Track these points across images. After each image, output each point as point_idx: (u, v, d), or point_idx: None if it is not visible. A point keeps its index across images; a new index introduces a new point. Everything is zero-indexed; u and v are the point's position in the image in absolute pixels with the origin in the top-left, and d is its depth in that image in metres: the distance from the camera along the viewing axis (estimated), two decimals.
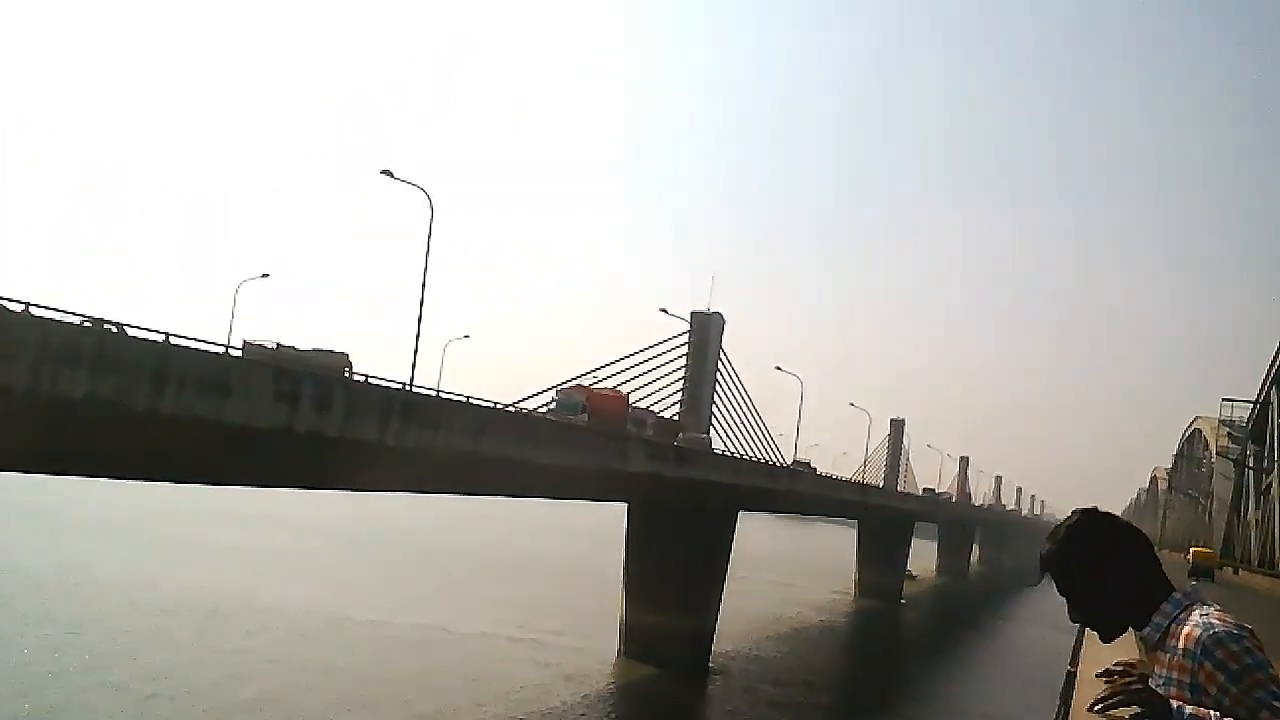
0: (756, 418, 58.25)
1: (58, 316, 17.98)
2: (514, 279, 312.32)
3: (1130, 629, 3.03)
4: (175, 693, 29.60)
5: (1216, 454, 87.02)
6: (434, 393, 30.62)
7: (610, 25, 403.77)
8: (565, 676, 38.86)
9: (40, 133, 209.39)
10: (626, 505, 44.58)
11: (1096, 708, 2.85)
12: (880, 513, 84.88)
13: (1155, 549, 3.12)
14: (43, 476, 21.34)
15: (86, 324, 17.67)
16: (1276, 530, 59.00)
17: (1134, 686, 2.83)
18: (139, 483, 24.01)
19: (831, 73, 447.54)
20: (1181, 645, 2.81)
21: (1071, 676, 4.13)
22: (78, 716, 26.67)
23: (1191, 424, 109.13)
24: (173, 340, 19.74)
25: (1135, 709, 2.74)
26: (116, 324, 17.59)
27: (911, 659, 61.54)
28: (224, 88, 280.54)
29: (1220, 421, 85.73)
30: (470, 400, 30.33)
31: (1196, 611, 2.86)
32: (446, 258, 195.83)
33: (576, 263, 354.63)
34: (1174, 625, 2.87)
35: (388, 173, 35.55)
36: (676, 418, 50.91)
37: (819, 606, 74.05)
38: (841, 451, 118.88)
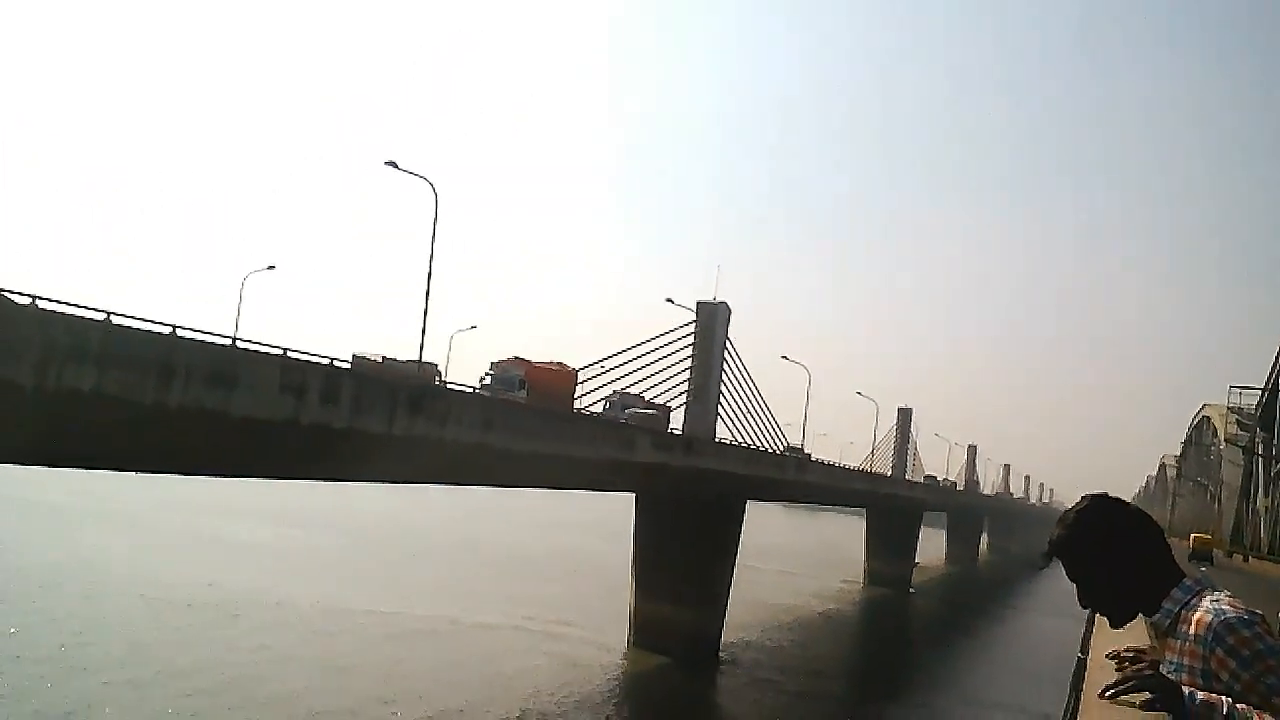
0: (764, 408, 58.21)
1: (64, 310, 17.99)
2: (519, 273, 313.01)
3: (1141, 615, 3.00)
4: (191, 690, 29.67)
5: (1225, 441, 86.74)
6: (442, 385, 30.63)
7: (611, 21, 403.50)
8: (575, 667, 38.96)
9: (40, 132, 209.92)
10: (634, 496, 44.61)
11: (1107, 694, 2.83)
12: (889, 502, 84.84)
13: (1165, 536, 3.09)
14: (50, 470, 21.37)
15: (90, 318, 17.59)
16: None
17: (1145, 672, 2.81)
18: (146, 475, 24.00)
19: (835, 66, 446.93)
20: (1193, 631, 2.78)
21: (1082, 663, 4.09)
22: (101, 715, 26.71)
23: (1200, 411, 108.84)
24: (179, 333, 19.77)
25: (1146, 695, 2.72)
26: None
27: (921, 647, 61.56)
28: (225, 84, 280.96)
29: (1229, 409, 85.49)
30: (477, 392, 30.35)
31: (1208, 598, 2.84)
32: (451, 253, 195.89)
33: (581, 257, 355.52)
34: (1185, 611, 2.85)
35: (392, 163, 35.47)
36: (671, 405, 50.10)
37: (828, 596, 74.11)
38: (849, 441, 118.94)
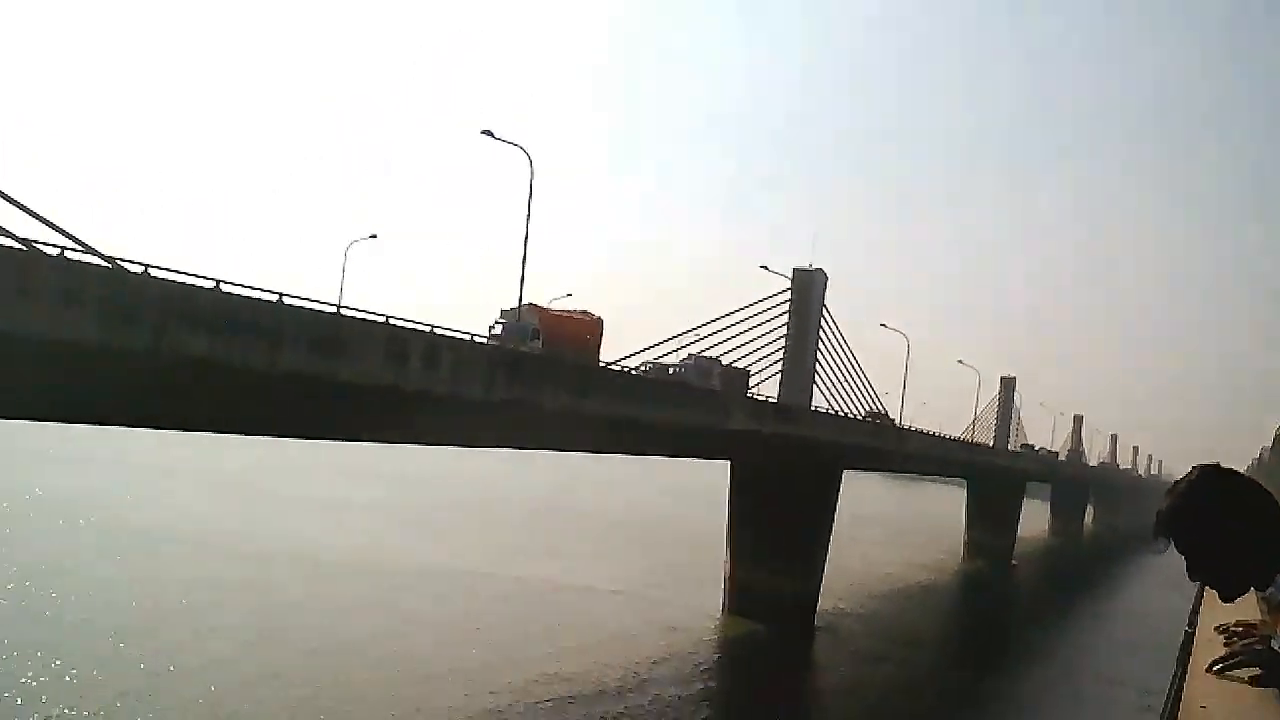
0: (861, 376, 57.60)
1: (176, 278, 18.56)
2: (613, 237, 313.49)
3: (1252, 589, 2.90)
4: (312, 648, 30.79)
5: None
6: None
7: None
8: (672, 632, 39.28)
9: (162, 101, 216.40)
10: (729, 463, 44.59)
11: (1216, 668, 2.74)
12: (990, 472, 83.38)
13: None
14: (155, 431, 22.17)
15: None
16: None
17: (1255, 647, 2.72)
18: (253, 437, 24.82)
19: (941, 18, 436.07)
20: None
21: (1189, 636, 3.97)
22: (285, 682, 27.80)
23: None
24: (285, 300, 20.27)
25: (1256, 670, 2.62)
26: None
27: (1021, 619, 60.62)
28: (321, 60, 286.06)
29: None
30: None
31: None
32: (549, 219, 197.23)
33: (680, 224, 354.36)
34: None
35: (488, 132, 35.84)
36: (750, 369, 49.10)
37: (927, 566, 73.29)
38: (950, 410, 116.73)
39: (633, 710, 29.13)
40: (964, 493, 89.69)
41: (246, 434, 22.86)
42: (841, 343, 54.57)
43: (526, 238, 36.73)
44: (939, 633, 51.09)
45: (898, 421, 63.25)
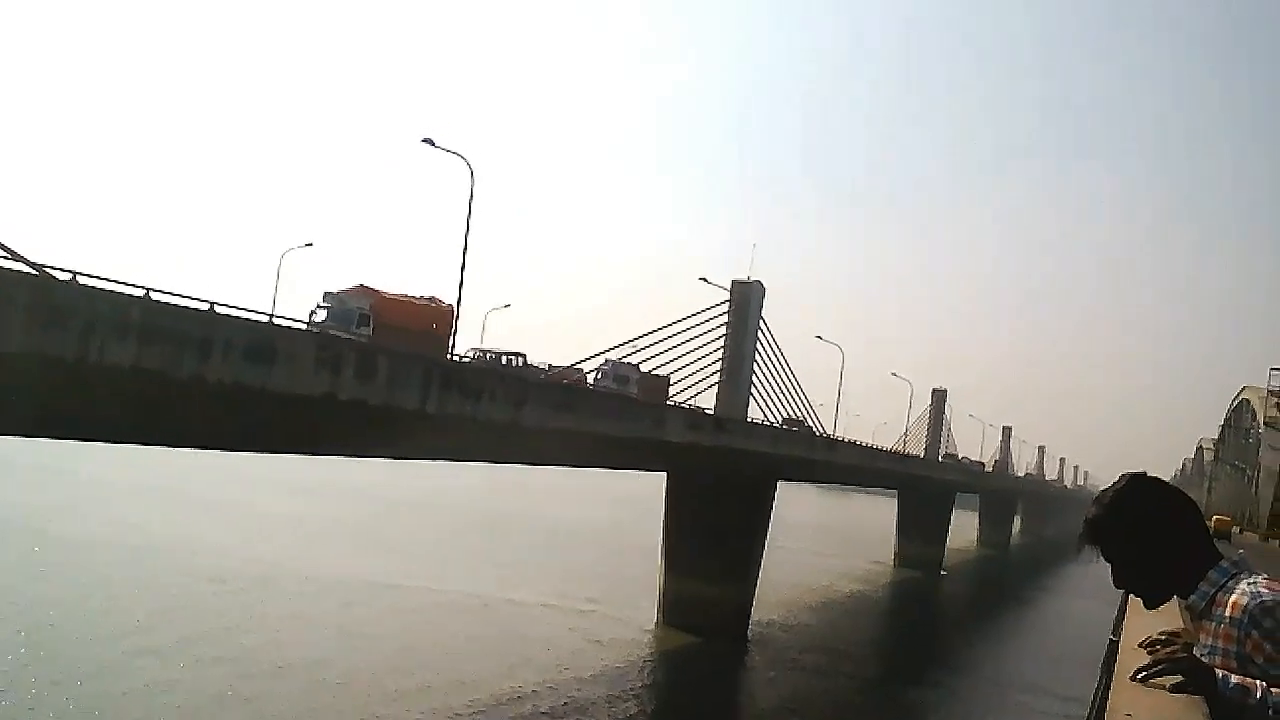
0: (797, 388, 58.00)
1: (105, 286, 18.20)
2: (553, 250, 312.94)
3: (1175, 597, 2.99)
4: (218, 657, 30.16)
5: (1265, 424, 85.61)
6: (511, 358, 30.81)
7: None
8: (603, 644, 39.18)
9: (79, 109, 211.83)
10: (665, 474, 44.66)
11: (1139, 676, 2.82)
12: (920, 484, 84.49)
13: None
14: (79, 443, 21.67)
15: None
16: None
17: (1178, 655, 2.81)
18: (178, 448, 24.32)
19: (865, 41, 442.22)
20: (1228, 614, 2.77)
21: (1114, 645, 4.08)
22: (154, 691, 27.15)
23: (1239, 394, 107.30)
24: (217, 309, 19.97)
25: (1178, 677, 2.71)
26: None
27: (950, 629, 61.44)
28: (261, 63, 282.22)
29: (1269, 391, 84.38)
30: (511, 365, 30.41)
31: (1244, 580, 2.82)
32: (486, 231, 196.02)
33: (615, 238, 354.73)
34: (1220, 594, 2.83)
35: (429, 141, 35.64)
36: (671, 376, 47.16)
37: (858, 577, 73.99)
38: (882, 422, 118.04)
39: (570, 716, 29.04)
40: (895, 503, 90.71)
41: (176, 446, 22.43)
42: (778, 355, 54.94)
43: (465, 247, 36.59)
44: (869, 643, 51.58)
45: (831, 433, 63.83)
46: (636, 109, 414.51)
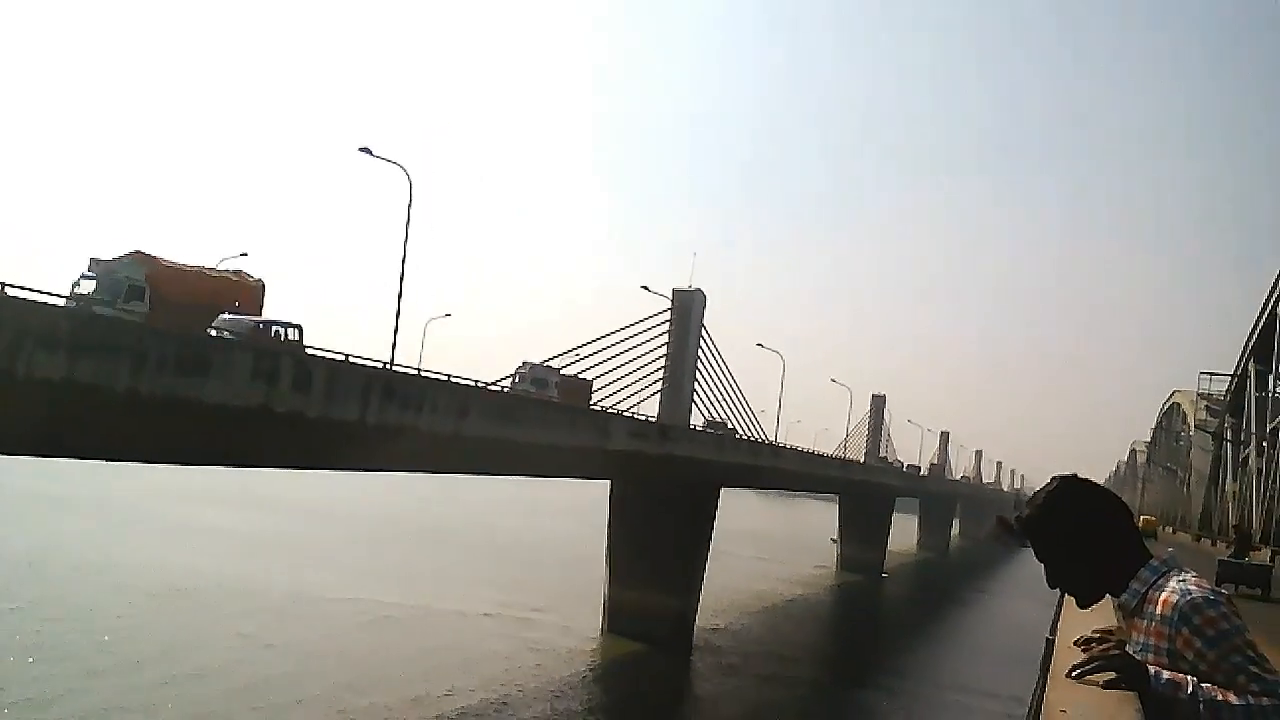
0: (739, 396, 58.30)
1: (33, 297, 17.80)
2: (495, 261, 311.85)
3: (1108, 595, 3.04)
4: (161, 677, 29.56)
5: (1195, 427, 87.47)
6: (415, 372, 30.49)
7: (591, 7, 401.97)
8: (548, 653, 39.02)
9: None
10: (609, 483, 44.61)
11: (1074, 674, 2.86)
12: (861, 489, 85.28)
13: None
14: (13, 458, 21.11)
15: None
16: (1254, 503, 59.52)
17: (1111, 652, 2.85)
18: (114, 462, 23.79)
19: (812, 54, 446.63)
20: (1159, 611, 2.82)
21: (1050, 644, 4.14)
22: (68, 703, 26.54)
23: (1170, 398, 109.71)
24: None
25: (1111, 674, 2.75)
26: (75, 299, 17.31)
27: (892, 632, 62.04)
28: (197, 70, 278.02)
29: (1199, 395, 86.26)
30: (452, 380, 30.20)
31: (1174, 578, 2.87)
32: (427, 241, 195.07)
33: (558, 247, 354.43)
34: (1152, 591, 2.89)
35: (366, 150, 35.23)
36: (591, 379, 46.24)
37: (801, 582, 74.47)
38: (823, 428, 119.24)
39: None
40: (836, 508, 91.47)
41: (108, 460, 21.93)
42: (720, 362, 55.18)
43: (404, 260, 36.28)
44: (813, 647, 51.91)
45: (773, 440, 64.18)
46: (577, 122, 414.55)
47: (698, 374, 53.01)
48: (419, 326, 54.48)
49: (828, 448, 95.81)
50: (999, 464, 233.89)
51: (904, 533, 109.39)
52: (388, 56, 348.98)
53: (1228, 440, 72.67)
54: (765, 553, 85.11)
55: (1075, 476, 3.08)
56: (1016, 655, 38.47)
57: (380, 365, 28.03)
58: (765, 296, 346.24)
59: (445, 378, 30.08)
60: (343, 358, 25.68)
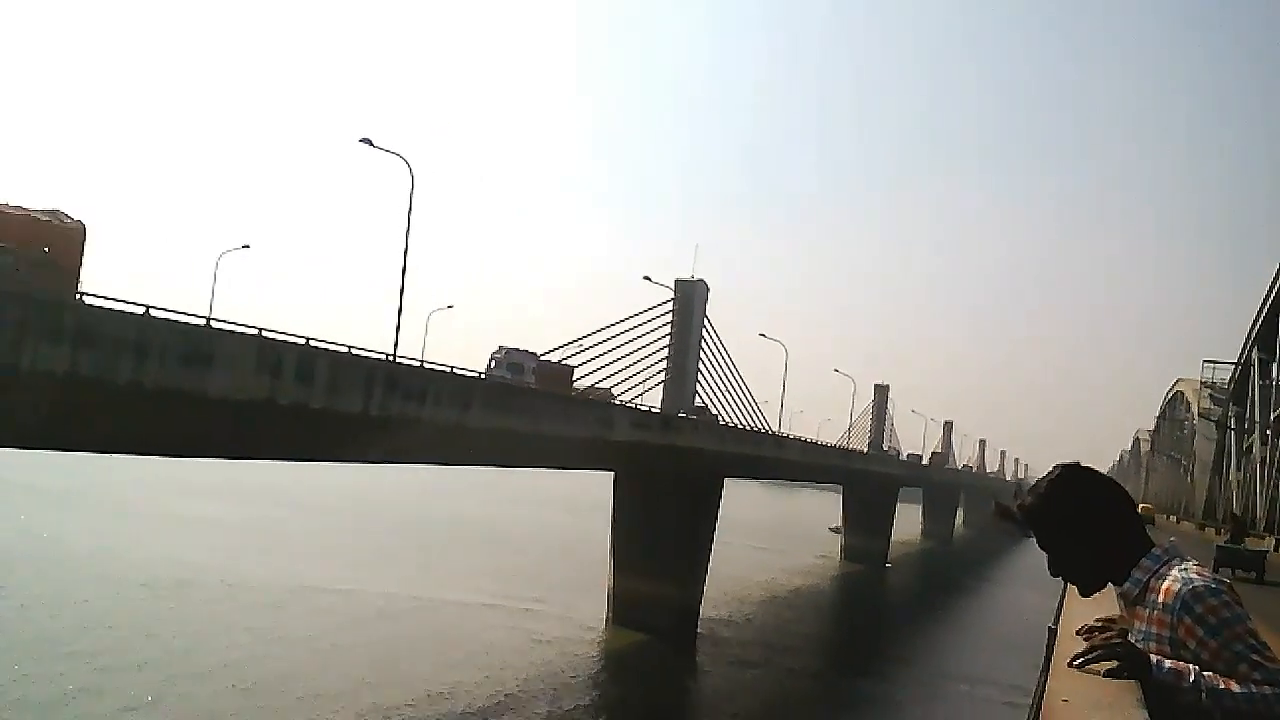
0: (742, 385, 58.39)
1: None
2: (497, 253, 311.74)
3: (1110, 584, 3.04)
4: (162, 672, 29.65)
5: (1198, 416, 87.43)
6: (418, 364, 30.52)
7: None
8: (552, 644, 39.07)
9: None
10: (613, 473, 44.64)
11: (1076, 663, 2.86)
12: (865, 478, 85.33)
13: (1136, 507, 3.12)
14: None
15: None
16: (1258, 491, 59.52)
17: (1113, 641, 2.85)
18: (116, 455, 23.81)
19: (811, 47, 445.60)
20: (1161, 600, 2.82)
21: (1053, 634, 4.14)
22: (54, 693, 26.60)
23: (1174, 386, 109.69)
24: (152, 313, 19.60)
25: (1113, 663, 2.75)
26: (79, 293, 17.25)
27: (896, 621, 62.05)
28: (199, 61, 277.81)
29: (1202, 383, 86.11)
30: (455, 371, 30.22)
31: (1176, 567, 2.87)
32: (428, 232, 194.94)
33: (561, 238, 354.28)
34: (1153, 580, 2.88)
35: (367, 141, 35.24)
36: (574, 364, 45.71)
37: (805, 571, 74.53)
38: (826, 418, 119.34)
39: (517, 716, 28.95)
40: (840, 497, 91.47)
41: (113, 452, 21.95)
42: (723, 352, 55.26)
43: (406, 251, 36.26)
44: (816, 637, 51.95)
45: (776, 430, 64.19)
46: (578, 112, 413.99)
47: (700, 364, 53.09)
48: (422, 318, 54.38)
49: (831, 438, 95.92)
50: (1003, 453, 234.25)
51: (908, 522, 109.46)
52: (385, 48, 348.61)
53: (1231, 429, 72.65)
54: (769, 543, 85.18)
55: (1077, 465, 3.08)
56: (1019, 644, 38.57)
57: (383, 357, 28.07)
58: (768, 289, 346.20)
59: (448, 369, 30.14)
60: (346, 349, 25.71)
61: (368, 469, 42.46)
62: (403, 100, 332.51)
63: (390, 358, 29.05)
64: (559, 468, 42.26)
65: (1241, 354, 70.18)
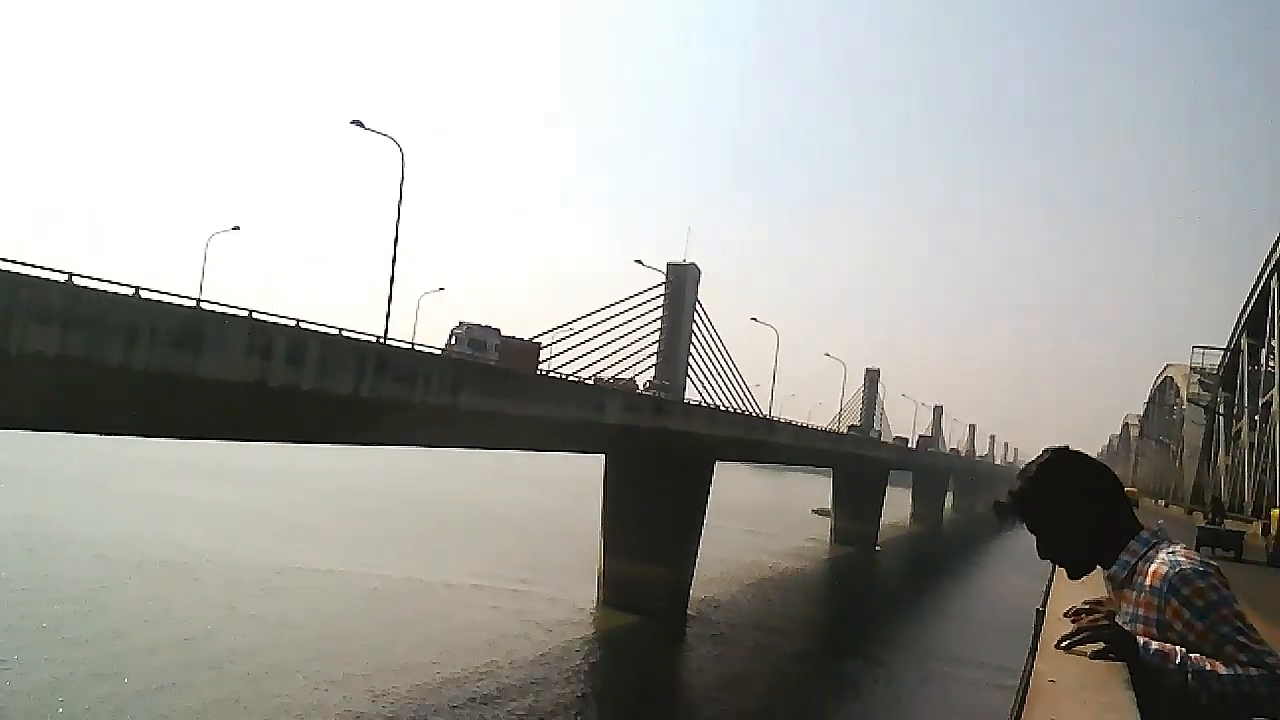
0: (734, 369, 58.43)
1: (24, 271, 17.71)
2: (488, 237, 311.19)
3: (1098, 567, 3.06)
4: (151, 647, 29.65)
5: (1188, 401, 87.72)
6: (409, 346, 30.46)
7: None
8: (544, 624, 39.18)
9: None
10: (604, 456, 44.70)
11: (1064, 644, 2.88)
12: (855, 462, 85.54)
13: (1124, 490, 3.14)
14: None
15: None
16: (1246, 476, 59.78)
17: (1100, 623, 2.87)
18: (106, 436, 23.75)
19: (804, 30, 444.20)
20: (1148, 582, 2.84)
21: (1041, 616, 4.17)
22: (48, 672, 26.62)
23: (1163, 372, 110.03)
24: (142, 294, 19.52)
25: (1100, 645, 2.77)
26: (67, 274, 17.20)
27: (885, 604, 62.34)
28: (187, 42, 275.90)
29: (1191, 369, 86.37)
30: (415, 349, 29.97)
31: (1163, 549, 2.89)
32: (419, 216, 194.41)
33: (552, 223, 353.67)
34: (1141, 563, 2.90)
35: (358, 123, 35.11)
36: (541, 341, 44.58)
37: (795, 554, 74.75)
38: (817, 402, 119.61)
39: (506, 693, 29.00)
40: (830, 481, 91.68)
41: (103, 434, 21.92)
42: (714, 336, 55.26)
43: (397, 233, 36.15)
44: (806, 619, 52.15)
45: (767, 414, 64.27)
46: (573, 103, 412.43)
47: (692, 348, 53.10)
48: (413, 301, 54.24)
49: (822, 422, 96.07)
50: (992, 437, 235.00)
51: (898, 506, 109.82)
52: (375, 29, 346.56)
53: (1220, 414, 72.92)
54: (759, 526, 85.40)
55: (1066, 448, 3.09)
56: (1006, 627, 38.78)
57: (374, 339, 28.02)
58: (761, 274, 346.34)
59: (439, 352, 30.08)
60: (337, 332, 25.65)
61: (359, 451, 42.34)
62: (395, 84, 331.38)
63: (381, 340, 28.99)
64: (550, 450, 42.26)
65: (1231, 340, 70.39)
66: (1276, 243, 56.74)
